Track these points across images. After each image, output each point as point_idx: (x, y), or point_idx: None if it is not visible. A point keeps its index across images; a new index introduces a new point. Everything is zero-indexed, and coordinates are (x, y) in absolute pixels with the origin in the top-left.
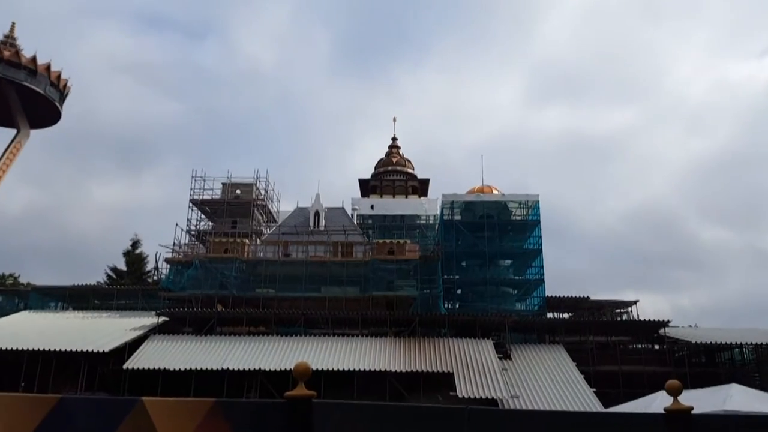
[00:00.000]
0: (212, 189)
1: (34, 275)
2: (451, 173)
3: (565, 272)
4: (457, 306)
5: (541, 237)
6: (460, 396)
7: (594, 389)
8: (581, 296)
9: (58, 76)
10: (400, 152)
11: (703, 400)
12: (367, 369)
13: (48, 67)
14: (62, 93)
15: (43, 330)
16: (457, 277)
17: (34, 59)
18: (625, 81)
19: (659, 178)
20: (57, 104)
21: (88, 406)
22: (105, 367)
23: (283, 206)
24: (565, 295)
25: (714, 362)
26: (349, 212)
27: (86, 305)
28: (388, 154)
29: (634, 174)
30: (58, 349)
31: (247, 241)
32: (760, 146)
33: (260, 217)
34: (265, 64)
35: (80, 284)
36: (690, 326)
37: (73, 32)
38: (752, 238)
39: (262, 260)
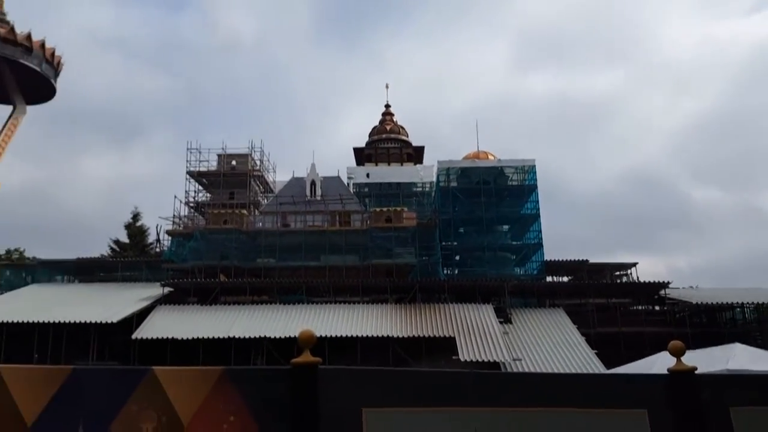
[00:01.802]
0: (208, 161)
1: (37, 250)
2: (441, 140)
3: (561, 236)
4: (456, 272)
5: (538, 201)
6: (462, 360)
7: (595, 351)
8: (580, 259)
9: (53, 53)
10: (394, 119)
11: (705, 360)
12: (370, 335)
13: (43, 44)
14: (56, 69)
15: (52, 303)
16: (455, 243)
17: (29, 36)
18: (612, 43)
19: (650, 139)
20: (52, 81)
21: (100, 376)
22: (114, 338)
23: (279, 176)
24: (564, 259)
25: (715, 322)
26: (345, 181)
27: (91, 278)
28: (381, 122)
29: (624, 135)
30: (68, 321)
31: (245, 212)
32: (748, 105)
33: (257, 188)
34: (246, 35)
35: (85, 257)
36: (690, 287)
37: (49, 5)
38: (745, 197)
39: (261, 231)
